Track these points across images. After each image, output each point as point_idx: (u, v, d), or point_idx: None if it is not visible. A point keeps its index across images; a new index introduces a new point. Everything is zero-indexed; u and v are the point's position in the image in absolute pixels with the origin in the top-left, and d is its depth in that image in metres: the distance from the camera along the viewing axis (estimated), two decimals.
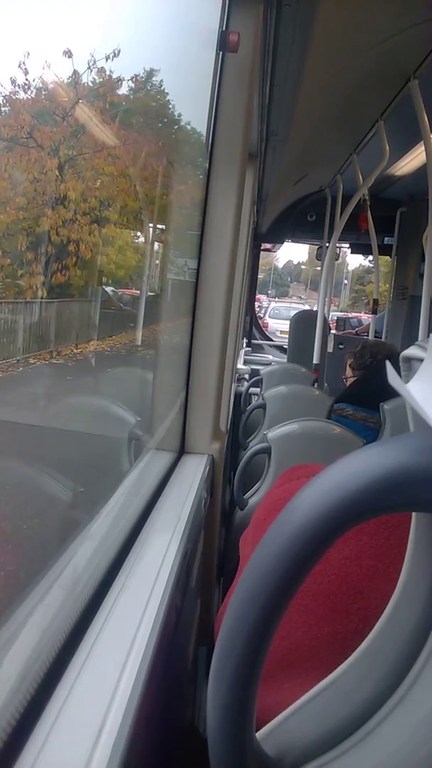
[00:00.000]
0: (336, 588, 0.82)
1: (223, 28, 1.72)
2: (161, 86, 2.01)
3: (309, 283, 36.98)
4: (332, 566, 0.83)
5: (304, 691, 0.57)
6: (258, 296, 14.05)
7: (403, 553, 0.55)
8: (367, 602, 0.80)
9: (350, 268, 34.52)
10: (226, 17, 1.73)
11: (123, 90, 1.84)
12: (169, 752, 1.11)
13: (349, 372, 3.14)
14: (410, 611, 0.54)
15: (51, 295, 1.69)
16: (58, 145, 1.59)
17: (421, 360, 0.49)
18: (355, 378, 3.05)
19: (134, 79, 1.88)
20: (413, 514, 0.53)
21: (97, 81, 1.62)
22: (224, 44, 1.67)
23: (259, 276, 10.04)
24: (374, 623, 0.56)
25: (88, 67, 1.53)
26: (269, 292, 40.86)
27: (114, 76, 1.68)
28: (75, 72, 1.51)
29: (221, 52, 1.73)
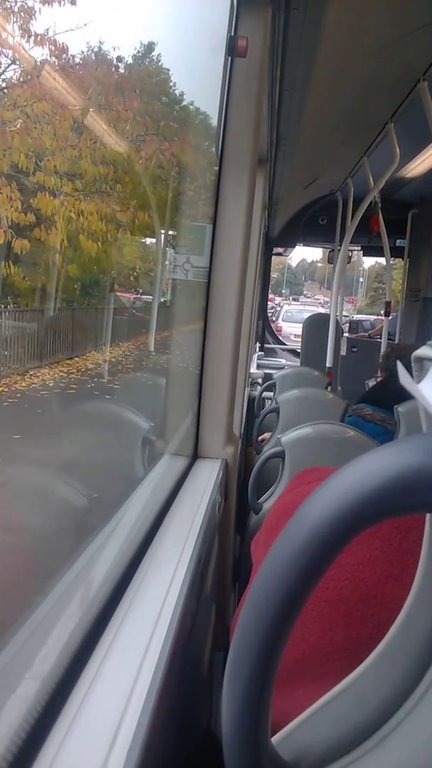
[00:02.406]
0: (349, 593, 0.81)
1: (232, 34, 1.72)
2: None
3: (325, 281, 36.26)
4: (345, 571, 0.82)
5: (318, 696, 0.57)
6: (270, 296, 13.97)
7: (416, 558, 0.54)
8: (381, 607, 0.79)
9: (366, 266, 33.95)
10: (234, 22, 1.73)
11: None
12: (185, 757, 1.10)
13: (380, 374, 3.15)
14: (425, 615, 0.54)
15: None
16: None
17: None
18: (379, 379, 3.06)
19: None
20: (427, 516, 0.52)
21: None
22: (233, 49, 1.68)
23: (272, 275, 10.03)
24: (388, 628, 0.56)
25: None
26: (283, 291, 40.45)
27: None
28: None
29: (230, 57, 1.73)
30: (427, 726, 0.52)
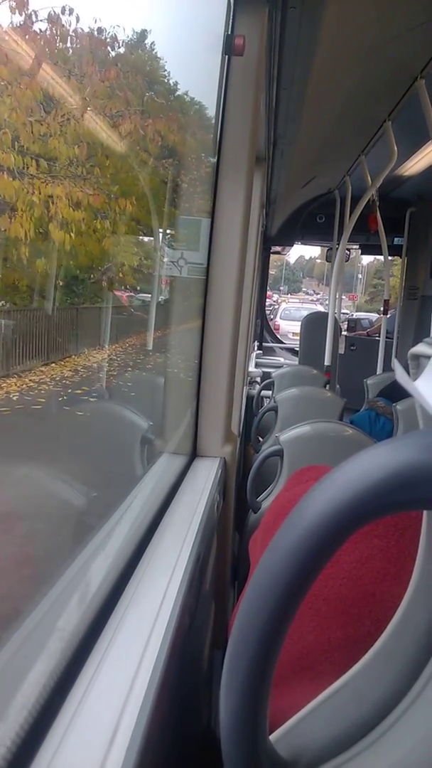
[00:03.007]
0: (347, 591, 0.81)
1: (229, 32, 1.72)
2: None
3: (323, 278, 36.06)
4: (343, 569, 0.82)
5: (317, 694, 0.57)
6: (268, 293, 13.93)
7: (413, 556, 0.54)
8: (379, 605, 0.79)
9: (364, 262, 33.79)
10: (231, 21, 1.73)
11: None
12: (184, 754, 1.11)
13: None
14: (422, 612, 0.54)
15: None
16: None
17: (429, 357, 0.49)
18: None
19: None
20: (424, 512, 0.52)
21: None
22: (230, 48, 1.68)
23: (270, 272, 10.03)
24: (385, 626, 0.56)
25: None
26: (281, 288, 40.40)
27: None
28: None
29: (227, 56, 1.73)
30: (424, 722, 0.52)
